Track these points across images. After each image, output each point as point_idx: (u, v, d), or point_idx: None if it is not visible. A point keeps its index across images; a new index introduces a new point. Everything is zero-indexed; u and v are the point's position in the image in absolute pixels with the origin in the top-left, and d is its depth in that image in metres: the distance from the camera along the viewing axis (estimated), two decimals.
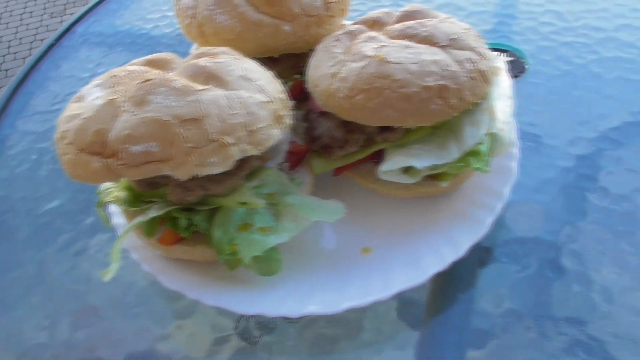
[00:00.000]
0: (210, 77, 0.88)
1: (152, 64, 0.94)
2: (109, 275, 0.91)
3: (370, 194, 1.09)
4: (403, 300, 0.97)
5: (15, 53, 4.89)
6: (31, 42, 5.01)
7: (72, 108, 0.87)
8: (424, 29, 0.97)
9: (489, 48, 1.06)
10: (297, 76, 1.18)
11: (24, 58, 4.79)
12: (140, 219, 0.91)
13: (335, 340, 0.94)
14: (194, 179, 0.89)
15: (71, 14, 5.30)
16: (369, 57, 0.94)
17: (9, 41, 5.05)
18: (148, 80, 0.83)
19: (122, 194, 0.98)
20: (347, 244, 1.03)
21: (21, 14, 5.43)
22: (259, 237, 0.92)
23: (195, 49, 1.35)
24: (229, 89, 0.86)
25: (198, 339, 0.98)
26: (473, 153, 0.95)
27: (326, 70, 0.99)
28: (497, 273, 0.99)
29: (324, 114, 1.06)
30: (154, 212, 0.91)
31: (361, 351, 0.93)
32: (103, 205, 0.99)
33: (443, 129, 0.98)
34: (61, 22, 5.21)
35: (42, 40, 5.00)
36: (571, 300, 0.93)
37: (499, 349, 0.90)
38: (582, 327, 0.90)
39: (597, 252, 0.99)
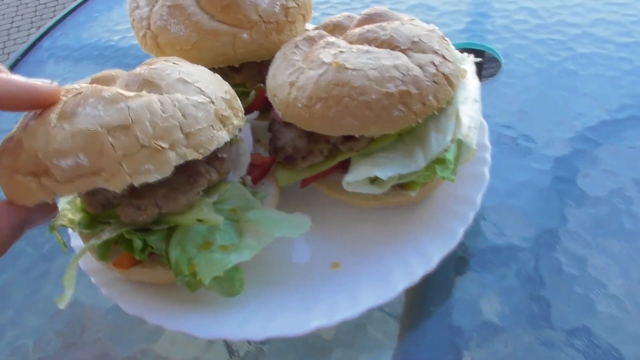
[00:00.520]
0: (144, 84, 0.83)
1: (97, 81, 0.89)
2: (64, 302, 0.85)
3: (339, 205, 1.04)
4: (377, 315, 0.93)
5: None
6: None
7: (12, 130, 0.83)
8: (384, 32, 0.93)
9: (461, 49, 1.03)
10: (261, 85, 1.13)
11: None
12: (93, 242, 0.87)
13: (307, 356, 0.90)
14: (145, 196, 0.85)
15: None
16: (326, 64, 0.90)
17: None
18: (78, 93, 0.79)
19: (77, 216, 0.93)
20: (315, 259, 0.98)
21: (8, 29, 5.39)
22: (220, 256, 0.87)
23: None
24: (163, 92, 0.82)
25: None
26: (439, 161, 0.90)
27: (284, 78, 0.95)
28: (472, 284, 0.96)
29: (287, 124, 1.01)
30: (106, 235, 0.87)
31: None
32: (56, 228, 0.95)
33: (409, 136, 0.94)
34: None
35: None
36: (551, 312, 0.89)
37: None
38: (564, 338, 0.86)
39: (576, 259, 0.95)
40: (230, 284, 0.88)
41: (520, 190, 1.07)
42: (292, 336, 0.85)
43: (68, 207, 0.97)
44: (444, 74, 0.90)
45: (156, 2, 1.07)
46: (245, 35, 1.04)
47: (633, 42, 1.34)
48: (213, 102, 0.86)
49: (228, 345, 0.96)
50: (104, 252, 0.90)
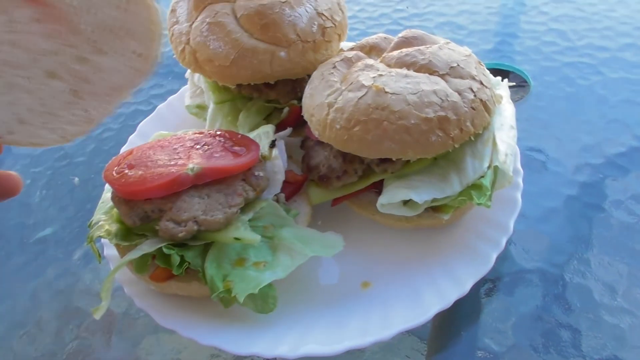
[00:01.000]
0: None
1: None
2: (100, 312, 0.87)
3: (370, 224, 1.05)
4: (404, 336, 0.94)
5: None
6: None
7: None
8: (423, 57, 0.94)
9: (490, 69, 1.03)
10: (294, 102, 1.15)
11: None
12: (131, 256, 0.88)
13: None
14: (185, 213, 0.87)
15: None
16: (366, 87, 0.91)
17: None
18: None
19: (113, 227, 0.95)
20: (346, 278, 0.99)
21: None
22: (254, 273, 0.88)
23: (189, 73, 1.33)
24: None
25: None
26: (475, 187, 0.91)
27: (322, 99, 0.96)
28: (501, 308, 0.96)
29: (321, 143, 1.02)
30: (145, 249, 0.88)
31: None
32: (94, 239, 0.96)
33: (444, 160, 0.95)
34: None
35: None
36: (581, 340, 0.89)
37: None
38: None
39: (607, 287, 0.95)
40: (263, 301, 0.89)
41: (550, 215, 1.07)
42: (325, 355, 0.85)
43: (104, 217, 0.99)
44: (481, 100, 0.91)
45: (196, 18, 1.09)
46: (282, 54, 1.05)
47: None
48: None
49: None
50: (141, 265, 0.91)
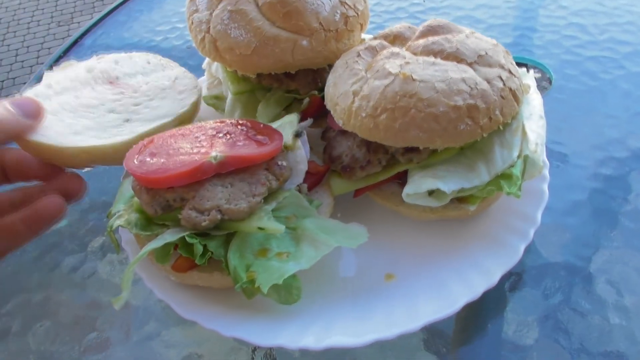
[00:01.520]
0: None
1: None
2: (120, 303, 0.85)
3: (392, 215, 1.03)
4: (428, 330, 0.92)
5: (22, 61, 4.88)
6: (38, 51, 5.00)
7: None
8: (450, 45, 0.93)
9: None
10: (315, 92, 1.13)
11: (31, 66, 4.78)
12: (153, 245, 0.86)
13: None
14: (208, 202, 0.86)
15: (78, 22, 5.29)
16: (393, 74, 0.89)
17: (17, 49, 5.05)
18: None
19: (133, 217, 0.93)
20: (369, 270, 0.97)
21: (29, 22, 5.43)
22: (278, 263, 0.87)
23: (207, 63, 1.31)
24: None
25: None
26: (505, 176, 0.90)
27: (347, 87, 0.94)
28: (527, 301, 0.94)
29: (344, 132, 1.01)
30: (167, 238, 0.87)
31: None
32: (113, 229, 0.94)
33: (471, 150, 0.93)
34: (68, 30, 5.21)
35: (49, 48, 4.99)
36: (609, 333, 0.88)
37: None
38: None
39: (634, 281, 0.93)
40: (287, 292, 0.88)
41: (576, 208, 1.06)
42: (351, 347, 0.84)
43: (124, 207, 0.97)
44: (510, 89, 0.89)
45: (217, 7, 1.07)
46: (305, 43, 1.04)
47: None
48: None
49: None
50: (163, 255, 0.90)
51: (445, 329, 0.93)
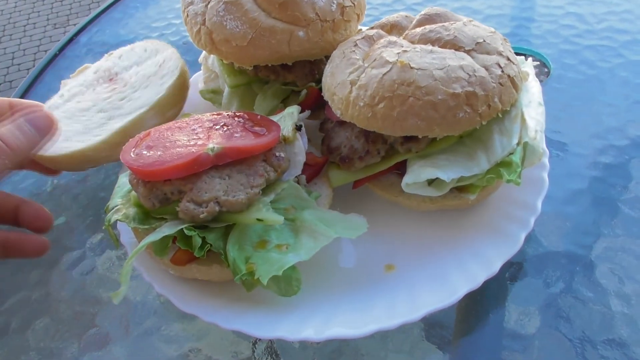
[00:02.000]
0: None
1: None
2: (118, 297, 0.85)
3: (392, 206, 1.03)
4: (429, 320, 0.91)
5: (19, 64, 4.87)
6: (35, 54, 4.99)
7: None
8: (448, 33, 0.92)
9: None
10: (312, 84, 1.13)
11: (28, 69, 4.76)
12: (151, 238, 0.86)
13: None
14: (206, 194, 0.85)
15: (74, 24, 5.26)
16: (390, 62, 0.89)
17: (13, 53, 5.03)
18: None
19: (131, 211, 0.93)
20: (369, 261, 0.97)
21: (24, 26, 5.41)
22: (277, 255, 0.86)
23: (203, 57, 1.30)
24: None
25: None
26: (504, 164, 0.89)
27: (344, 77, 0.93)
28: (528, 290, 0.94)
29: (342, 123, 1.00)
30: (165, 231, 0.86)
31: None
32: (111, 224, 0.94)
33: (470, 139, 0.93)
34: (64, 32, 5.19)
35: (45, 51, 4.97)
36: (610, 321, 0.87)
37: None
38: (625, 349, 0.84)
39: (635, 268, 0.93)
40: (287, 284, 0.87)
41: (576, 197, 1.05)
42: (352, 338, 0.83)
43: (122, 201, 0.97)
44: (509, 76, 0.89)
45: None
46: (301, 33, 1.03)
47: None
48: None
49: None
50: (162, 248, 0.89)
51: (446, 319, 0.93)
